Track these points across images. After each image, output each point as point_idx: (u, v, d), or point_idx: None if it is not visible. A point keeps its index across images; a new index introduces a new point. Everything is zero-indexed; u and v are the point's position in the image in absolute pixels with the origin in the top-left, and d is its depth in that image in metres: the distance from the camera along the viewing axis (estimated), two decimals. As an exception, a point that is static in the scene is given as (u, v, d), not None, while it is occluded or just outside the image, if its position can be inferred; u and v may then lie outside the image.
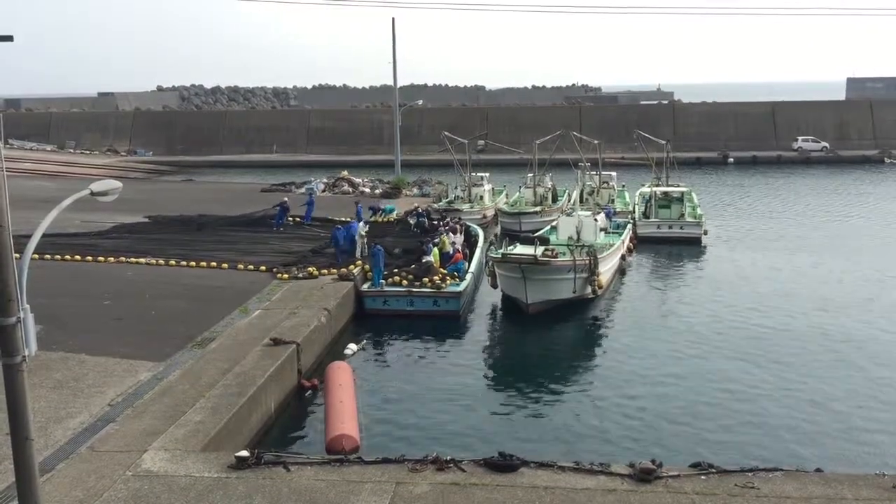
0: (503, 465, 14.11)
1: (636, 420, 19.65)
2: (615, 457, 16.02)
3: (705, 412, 20.10)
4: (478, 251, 34.77)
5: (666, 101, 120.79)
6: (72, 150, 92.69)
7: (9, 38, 10.27)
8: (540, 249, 29.27)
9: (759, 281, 33.89)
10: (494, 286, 30.13)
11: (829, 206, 54.82)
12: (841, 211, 52.87)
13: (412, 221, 39.77)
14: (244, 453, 14.58)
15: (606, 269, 32.12)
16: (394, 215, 43.41)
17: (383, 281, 29.19)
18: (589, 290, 29.95)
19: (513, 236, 34.24)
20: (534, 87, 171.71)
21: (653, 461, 14.20)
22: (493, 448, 15.68)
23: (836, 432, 19.00)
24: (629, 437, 18.70)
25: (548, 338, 27.31)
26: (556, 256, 29.27)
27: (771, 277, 34.51)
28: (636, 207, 47.09)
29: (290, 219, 40.40)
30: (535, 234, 33.94)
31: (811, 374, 22.84)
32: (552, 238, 35.45)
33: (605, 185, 50.73)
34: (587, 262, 29.49)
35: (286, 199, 42.24)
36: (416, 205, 45.22)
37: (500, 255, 28.81)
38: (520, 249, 30.15)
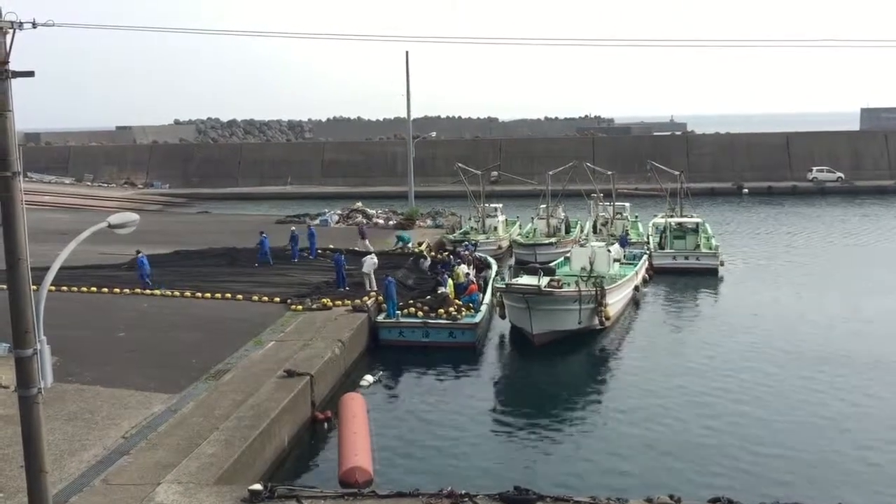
0: (519, 499, 13.96)
1: (653, 453, 19.41)
2: (632, 491, 15.81)
3: (723, 445, 19.83)
4: (492, 282, 34.70)
5: (679, 132, 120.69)
6: (89, 183, 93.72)
7: (30, 74, 10.45)
8: (545, 280, 29.20)
9: (776, 312, 33.51)
10: (503, 316, 30.13)
11: (848, 238, 54.40)
12: (860, 243, 52.44)
13: (434, 257, 38.81)
14: (257, 487, 14.50)
15: (616, 301, 31.92)
16: (420, 246, 42.54)
17: (399, 312, 29.17)
18: (596, 321, 29.81)
19: (519, 266, 34.19)
20: (546, 118, 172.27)
21: (671, 496, 14.01)
22: (509, 482, 15.51)
23: (858, 466, 18.68)
24: (646, 470, 18.45)
25: (562, 370, 27.15)
26: (560, 287, 29.18)
27: (788, 309, 34.14)
28: (650, 238, 46.97)
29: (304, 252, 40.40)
30: (541, 265, 33.83)
31: (829, 406, 22.52)
32: (566, 269, 35.37)
33: (619, 215, 50.76)
34: (593, 292, 29.36)
35: (294, 228, 42.25)
36: (455, 250, 41.85)
37: (504, 286, 28.78)
38: (525, 279, 30.12)
